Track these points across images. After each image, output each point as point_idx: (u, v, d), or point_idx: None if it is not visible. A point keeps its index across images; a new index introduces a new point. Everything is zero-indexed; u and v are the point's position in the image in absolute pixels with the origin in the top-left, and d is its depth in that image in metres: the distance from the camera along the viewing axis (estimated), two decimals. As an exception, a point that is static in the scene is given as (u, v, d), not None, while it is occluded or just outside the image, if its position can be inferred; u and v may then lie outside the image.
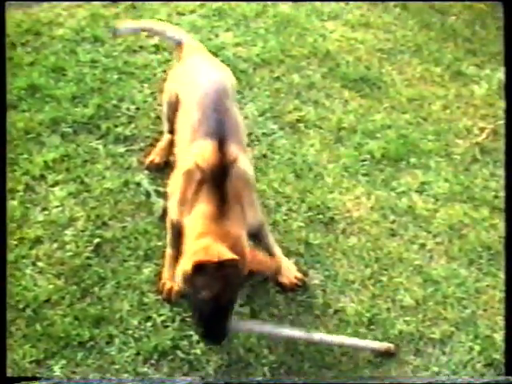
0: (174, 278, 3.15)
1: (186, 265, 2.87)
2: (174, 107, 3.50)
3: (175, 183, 3.23)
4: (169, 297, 3.31)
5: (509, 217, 3.39)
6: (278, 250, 3.40)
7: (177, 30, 3.99)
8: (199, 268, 2.81)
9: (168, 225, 3.31)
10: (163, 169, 3.78)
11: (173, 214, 3.21)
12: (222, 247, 2.84)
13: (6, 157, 3.36)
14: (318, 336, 3.14)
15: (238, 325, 3.08)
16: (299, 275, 3.42)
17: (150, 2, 4.89)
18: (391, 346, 3.21)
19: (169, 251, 3.35)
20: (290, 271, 3.41)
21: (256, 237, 3.27)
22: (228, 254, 2.81)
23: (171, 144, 3.65)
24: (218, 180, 3.01)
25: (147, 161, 3.84)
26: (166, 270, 3.35)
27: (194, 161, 3.07)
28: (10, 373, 3.06)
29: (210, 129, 3.14)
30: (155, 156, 3.84)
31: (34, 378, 2.83)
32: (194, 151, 3.13)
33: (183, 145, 3.29)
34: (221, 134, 3.11)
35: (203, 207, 3.00)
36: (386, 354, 3.20)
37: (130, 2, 4.89)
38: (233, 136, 3.17)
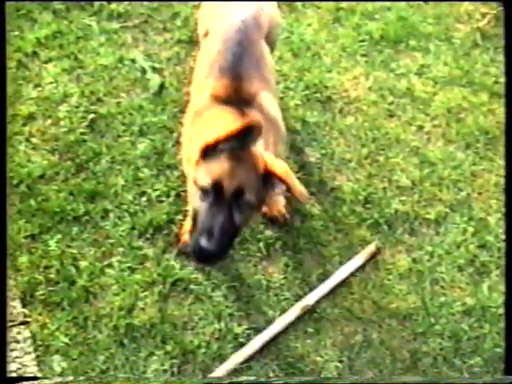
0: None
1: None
2: None
3: (187, 127, 2.89)
4: (185, 249, 3.08)
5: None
6: None
7: None
8: (206, 150, 2.53)
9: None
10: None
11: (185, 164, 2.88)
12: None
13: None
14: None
15: None
16: (283, 210, 3.24)
17: None
18: (372, 248, 3.20)
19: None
20: (278, 203, 3.23)
21: None
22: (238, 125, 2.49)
23: None
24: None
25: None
26: (187, 223, 3.09)
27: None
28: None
29: (227, 63, 2.79)
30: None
31: (34, 378, 2.82)
32: (206, 93, 2.78)
33: (198, 80, 2.94)
34: (237, 70, 2.76)
35: None
36: (373, 257, 3.20)
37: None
38: (254, 72, 2.82)
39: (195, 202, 2.55)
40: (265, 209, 3.17)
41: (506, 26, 3.41)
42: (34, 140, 3.40)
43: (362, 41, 3.91)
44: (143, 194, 3.26)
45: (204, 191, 2.50)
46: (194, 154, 2.57)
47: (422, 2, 4.16)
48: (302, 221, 3.24)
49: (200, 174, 2.51)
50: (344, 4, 4.04)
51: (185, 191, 3.17)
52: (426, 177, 3.45)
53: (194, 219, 2.55)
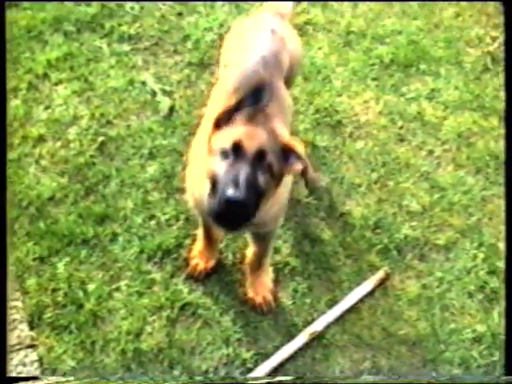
0: (203, 254, 3.07)
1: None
2: None
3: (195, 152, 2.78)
4: (194, 273, 3.11)
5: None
6: (268, 261, 3.08)
7: None
8: (219, 122, 2.47)
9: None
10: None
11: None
12: None
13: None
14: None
15: None
16: (270, 297, 3.08)
17: None
18: (381, 273, 3.18)
19: (201, 228, 3.06)
20: (263, 287, 3.09)
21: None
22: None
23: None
24: None
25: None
26: (196, 247, 3.14)
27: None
28: (13, 271, 3.06)
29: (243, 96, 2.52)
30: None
31: (34, 378, 2.82)
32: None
33: (212, 111, 2.69)
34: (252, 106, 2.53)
35: None
36: (383, 283, 3.18)
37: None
38: (270, 108, 2.59)
39: (214, 168, 2.40)
40: (250, 294, 3.08)
41: (506, 26, 3.40)
42: (43, 162, 3.40)
43: (373, 64, 3.89)
44: (152, 217, 3.25)
45: (223, 154, 2.39)
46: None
47: (432, 26, 4.15)
48: (311, 246, 3.22)
49: (217, 140, 2.43)
50: (355, 28, 4.03)
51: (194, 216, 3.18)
52: (435, 202, 3.43)
53: (213, 187, 2.40)
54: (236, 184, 2.30)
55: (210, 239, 3.07)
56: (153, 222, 3.24)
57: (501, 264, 3.25)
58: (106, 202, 3.28)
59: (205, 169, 2.47)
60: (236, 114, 2.44)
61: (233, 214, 2.34)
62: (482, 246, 3.32)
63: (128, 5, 4.02)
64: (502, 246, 3.31)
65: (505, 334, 3.03)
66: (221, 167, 2.37)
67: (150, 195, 3.31)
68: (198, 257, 3.12)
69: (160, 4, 4.01)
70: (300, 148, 2.46)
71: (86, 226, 3.20)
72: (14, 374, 2.85)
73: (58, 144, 3.47)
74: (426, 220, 3.38)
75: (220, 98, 2.72)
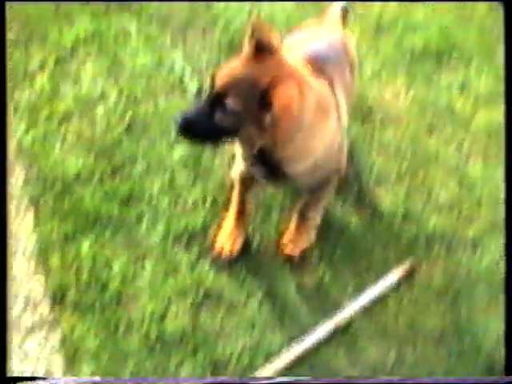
0: (230, 238, 3.07)
1: None
2: None
3: None
4: (220, 255, 3.09)
5: None
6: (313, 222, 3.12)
7: None
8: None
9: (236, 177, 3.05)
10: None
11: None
12: None
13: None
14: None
15: None
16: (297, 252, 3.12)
17: None
18: (408, 264, 3.13)
19: (234, 201, 3.08)
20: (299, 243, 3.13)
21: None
22: None
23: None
24: None
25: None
26: (223, 230, 3.10)
27: None
28: (36, 248, 3.03)
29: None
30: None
31: (34, 378, 2.79)
32: None
33: None
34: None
35: None
36: (410, 273, 3.14)
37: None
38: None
39: None
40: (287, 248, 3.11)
41: (506, 27, 3.36)
42: (69, 139, 3.37)
43: (404, 53, 3.86)
44: (179, 199, 3.21)
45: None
46: None
47: (464, 18, 4.10)
48: (339, 232, 3.18)
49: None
50: (387, 15, 3.99)
51: (221, 197, 3.16)
52: (464, 195, 3.39)
53: None
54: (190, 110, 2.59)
55: (240, 214, 3.06)
56: (179, 204, 3.20)
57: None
58: (133, 182, 3.24)
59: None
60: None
61: (182, 125, 2.58)
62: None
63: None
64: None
65: (505, 334, 2.99)
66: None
67: (176, 177, 3.27)
68: (225, 239, 3.08)
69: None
70: (280, 102, 2.43)
71: (111, 206, 3.16)
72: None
73: (85, 121, 3.43)
74: (455, 212, 3.33)
75: None
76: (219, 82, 2.50)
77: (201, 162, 3.33)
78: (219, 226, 3.12)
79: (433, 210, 3.33)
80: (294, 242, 3.10)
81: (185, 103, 3.49)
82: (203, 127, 2.55)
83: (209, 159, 3.32)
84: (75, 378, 2.79)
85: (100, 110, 3.46)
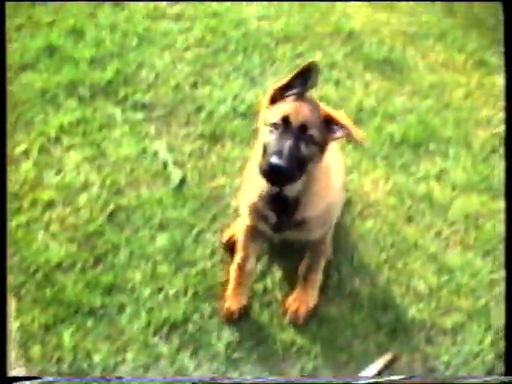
0: (238, 297, 3.17)
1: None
2: None
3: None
4: (228, 315, 3.18)
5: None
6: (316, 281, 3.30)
7: None
8: (274, 97, 2.86)
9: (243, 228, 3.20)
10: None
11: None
12: None
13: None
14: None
15: None
16: (304, 312, 3.24)
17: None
18: (389, 355, 3.14)
19: (238, 260, 3.22)
20: (304, 303, 3.26)
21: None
22: None
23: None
24: None
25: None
26: (230, 289, 3.21)
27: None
28: (17, 338, 3.03)
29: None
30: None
31: (34, 378, 2.79)
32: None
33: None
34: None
35: None
36: (390, 365, 3.15)
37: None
38: None
39: (265, 137, 2.82)
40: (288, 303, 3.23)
41: (506, 27, 3.42)
42: (52, 228, 3.39)
43: (383, 143, 3.93)
44: (160, 290, 3.23)
45: (274, 126, 2.79)
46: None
47: (442, 106, 4.20)
48: (318, 325, 3.20)
49: (270, 114, 2.83)
50: (366, 105, 4.08)
51: (203, 289, 3.19)
52: (443, 284, 3.42)
53: (264, 152, 2.81)
54: (279, 154, 2.73)
55: (242, 272, 3.18)
56: (161, 295, 3.22)
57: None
58: (115, 272, 3.26)
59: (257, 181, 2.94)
60: (287, 92, 2.83)
61: (277, 176, 2.78)
62: (489, 329, 3.30)
63: (143, 72, 4.08)
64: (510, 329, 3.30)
65: (504, 334, 3.00)
66: (270, 137, 2.79)
67: (158, 267, 3.30)
68: (231, 298, 3.18)
69: (175, 72, 4.06)
70: (340, 117, 2.85)
71: (93, 296, 3.18)
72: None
73: (68, 210, 3.46)
74: (434, 302, 3.35)
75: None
76: (297, 118, 2.78)
77: (183, 252, 3.35)
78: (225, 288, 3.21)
79: (412, 300, 3.35)
80: (299, 301, 3.22)
81: (168, 192, 3.55)
82: (293, 164, 2.77)
83: (190, 249, 3.35)
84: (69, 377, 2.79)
85: (83, 199, 3.50)
